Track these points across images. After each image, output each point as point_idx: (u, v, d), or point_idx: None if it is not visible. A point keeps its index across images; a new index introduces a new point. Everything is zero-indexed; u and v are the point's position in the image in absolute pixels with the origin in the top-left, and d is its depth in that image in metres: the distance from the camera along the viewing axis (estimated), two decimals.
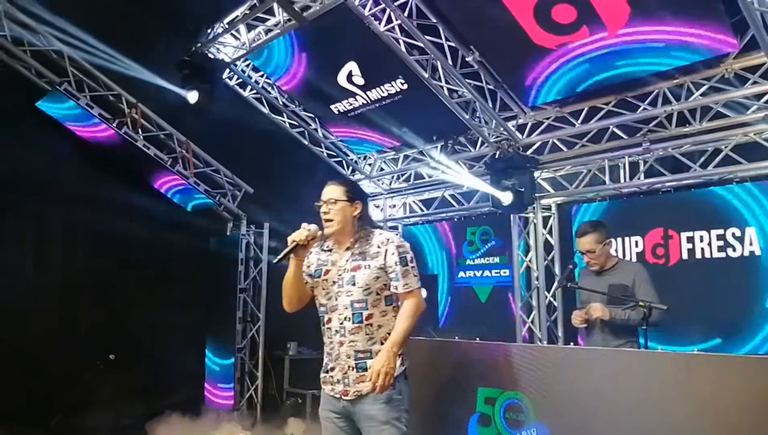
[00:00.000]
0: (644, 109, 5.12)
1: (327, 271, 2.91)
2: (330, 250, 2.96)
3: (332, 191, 2.93)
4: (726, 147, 4.89)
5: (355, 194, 2.96)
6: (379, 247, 2.87)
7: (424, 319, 6.80)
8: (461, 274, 6.95)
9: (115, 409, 5.88)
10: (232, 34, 5.83)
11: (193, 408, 6.41)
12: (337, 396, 2.82)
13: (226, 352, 7.15)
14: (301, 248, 2.83)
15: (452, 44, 5.26)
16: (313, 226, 2.86)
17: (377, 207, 7.71)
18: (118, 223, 6.28)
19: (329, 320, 2.87)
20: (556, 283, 5.85)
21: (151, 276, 6.82)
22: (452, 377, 3.85)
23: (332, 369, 2.85)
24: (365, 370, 2.76)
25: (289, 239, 2.83)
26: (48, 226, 6.40)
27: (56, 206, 6.20)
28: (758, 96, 4.62)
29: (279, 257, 2.89)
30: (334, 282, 2.87)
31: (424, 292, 6.92)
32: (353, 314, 2.80)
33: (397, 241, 2.91)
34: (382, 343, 2.80)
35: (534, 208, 6.08)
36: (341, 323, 2.81)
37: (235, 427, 5.31)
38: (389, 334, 2.83)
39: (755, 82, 4.57)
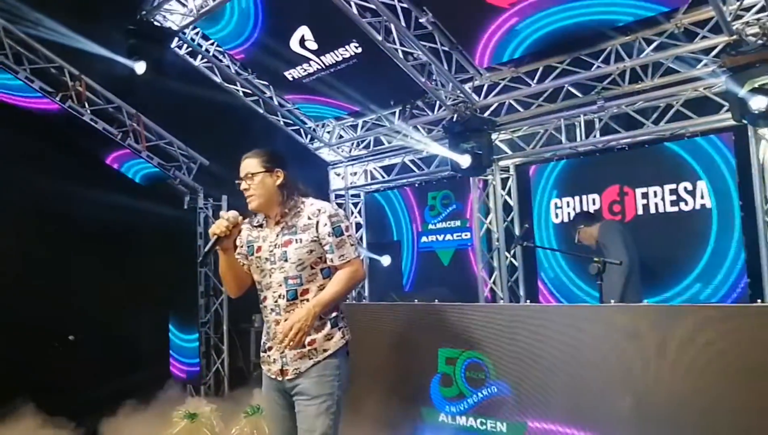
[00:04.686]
0: (598, 66, 5.13)
1: (258, 248, 2.76)
2: (261, 226, 2.82)
3: (248, 165, 2.76)
4: (677, 102, 4.96)
5: (274, 162, 2.77)
6: (310, 218, 2.70)
7: (388, 285, 6.97)
8: (424, 238, 6.97)
9: (78, 388, 5.78)
10: (178, 1, 5.62)
11: (159, 384, 6.34)
12: (274, 377, 2.71)
13: (190, 326, 7.08)
14: (225, 239, 2.67)
15: (405, 5, 5.17)
16: (232, 213, 2.70)
17: (338, 175, 7.64)
18: (72, 200, 6.05)
19: (264, 298, 2.74)
20: (514, 243, 5.93)
21: (108, 253, 6.64)
22: (413, 339, 3.88)
23: (269, 349, 2.73)
24: (303, 347, 2.63)
25: (210, 232, 2.69)
26: None
27: (6, 183, 5.95)
28: (707, 50, 4.65)
29: (203, 255, 2.76)
30: (266, 259, 2.72)
31: (387, 260, 7.11)
32: (287, 291, 2.66)
33: (329, 210, 2.73)
34: (321, 319, 2.66)
35: (492, 170, 6.10)
36: (276, 301, 2.68)
37: (202, 401, 5.27)
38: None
39: (704, 37, 4.61)
